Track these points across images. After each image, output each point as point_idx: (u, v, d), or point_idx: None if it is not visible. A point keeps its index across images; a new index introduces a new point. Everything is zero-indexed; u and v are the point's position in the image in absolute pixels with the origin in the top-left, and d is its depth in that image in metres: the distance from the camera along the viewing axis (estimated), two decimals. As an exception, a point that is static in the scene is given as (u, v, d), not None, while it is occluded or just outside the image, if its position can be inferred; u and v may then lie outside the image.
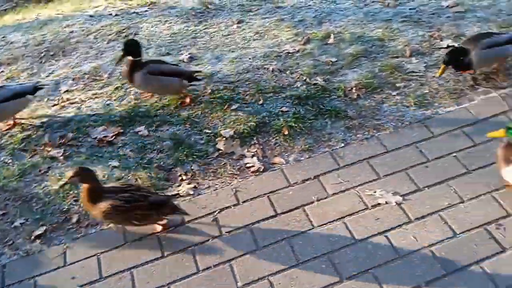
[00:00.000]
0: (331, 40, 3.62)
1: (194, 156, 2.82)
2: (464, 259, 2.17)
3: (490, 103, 2.91)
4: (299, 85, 3.25)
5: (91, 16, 4.42)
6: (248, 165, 2.74)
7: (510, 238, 2.23)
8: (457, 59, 2.94)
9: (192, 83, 3.17)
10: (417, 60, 3.32)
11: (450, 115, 2.88)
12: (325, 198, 2.52)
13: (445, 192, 2.46)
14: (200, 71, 3.33)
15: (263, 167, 2.72)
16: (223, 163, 2.78)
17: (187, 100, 3.18)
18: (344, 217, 2.42)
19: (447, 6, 3.81)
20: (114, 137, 2.99)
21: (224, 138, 2.89)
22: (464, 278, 2.11)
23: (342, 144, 2.80)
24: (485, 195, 2.42)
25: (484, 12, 3.70)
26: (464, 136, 2.73)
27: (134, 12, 4.37)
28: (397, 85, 3.16)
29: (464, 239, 2.25)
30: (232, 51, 3.65)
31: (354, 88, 3.15)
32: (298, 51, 3.56)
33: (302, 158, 2.76)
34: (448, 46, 3.38)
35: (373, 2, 4.03)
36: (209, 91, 3.27)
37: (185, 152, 2.84)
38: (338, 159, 2.71)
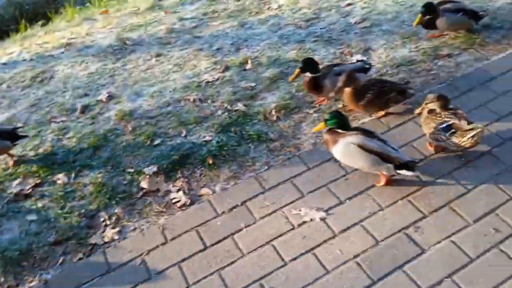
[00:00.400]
0: (249, 66, 3.70)
1: (118, 199, 2.74)
2: (387, 265, 2.25)
3: (398, 110, 3.07)
4: (220, 113, 3.28)
5: (4, 64, 4.25)
6: (174, 200, 2.71)
7: (428, 238, 2.34)
8: (311, 69, 3.03)
9: (17, 142, 2.98)
10: (331, 77, 3.47)
11: (364, 127, 3.00)
12: (253, 223, 2.53)
13: (365, 202, 2.55)
14: (21, 127, 3.19)
15: (190, 201, 2.69)
16: (148, 202, 2.72)
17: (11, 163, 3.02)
18: (272, 240, 2.43)
19: (355, 23, 4.04)
20: (31, 189, 2.85)
21: (148, 176, 2.84)
22: (389, 284, 2.18)
23: (266, 167, 2.84)
24: (402, 200, 2.53)
25: (388, 25, 3.95)
26: (379, 145, 2.86)
27: (49, 55, 4.26)
28: (314, 103, 3.27)
29: (386, 245, 2.33)
30: (152, 86, 3.63)
31: (274, 110, 3.23)
32: (217, 79, 3.60)
33: (228, 186, 2.76)
34: (357, 61, 3.57)
35: (286, 25, 4.19)
36: (130, 129, 3.22)
37: (107, 196, 2.76)
38: (263, 183, 2.74)
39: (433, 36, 3.60)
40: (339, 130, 2.57)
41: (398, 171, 2.49)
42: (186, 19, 4.53)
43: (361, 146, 2.49)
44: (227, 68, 3.71)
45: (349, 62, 3.37)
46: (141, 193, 2.76)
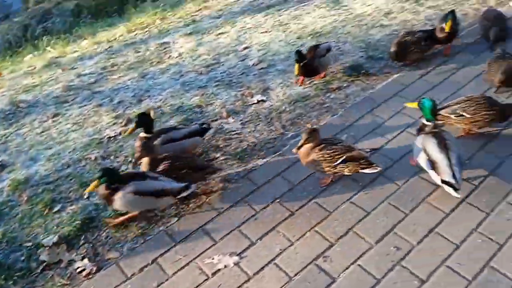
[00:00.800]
0: (152, 116, 3.66)
1: (15, 278, 2.51)
2: (301, 300, 2.27)
3: (300, 145, 3.21)
4: (125, 169, 3.18)
5: None
6: (79, 269, 2.53)
7: (336, 266, 2.41)
8: (146, 123, 2.99)
9: None
10: (234, 119, 3.55)
11: (270, 164, 3.09)
12: (166, 280, 2.44)
13: (276, 239, 2.59)
14: None
15: (96, 267, 2.53)
16: (49, 276, 2.51)
17: None
18: (187, 295, 2.36)
19: (253, 65, 4.21)
20: None
21: (48, 247, 2.64)
22: (305, 320, 2.20)
23: (176, 218, 2.78)
24: (310, 231, 2.61)
25: (283, 64, 4.17)
26: (284, 180, 2.95)
27: None
28: (220, 146, 3.31)
29: (299, 280, 2.36)
30: (49, 148, 3.45)
31: (180, 159, 3.21)
32: (120, 134, 3.52)
33: (137, 245, 2.65)
34: (258, 101, 3.71)
35: (187, 72, 4.26)
36: (26, 198, 3.00)
37: (3, 277, 2.51)
38: (173, 235, 2.68)
39: (320, 77, 3.82)
40: (114, 185, 2.61)
41: (178, 197, 2.70)
42: (85, 75, 4.43)
43: (137, 193, 2.61)
44: (129, 121, 3.64)
45: (182, 127, 3.23)
46: (41, 268, 2.55)
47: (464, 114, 2.94)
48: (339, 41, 4.31)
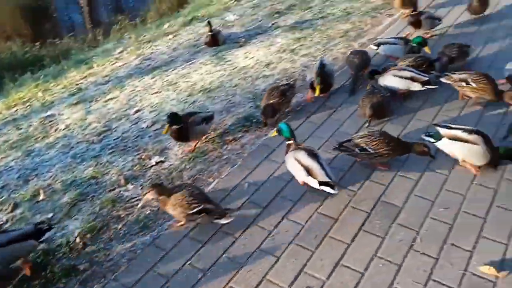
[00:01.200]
0: (42, 196, 3.42)
1: None
2: None
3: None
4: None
5: None
6: None
7: (256, 319, 2.40)
8: None
9: None
10: (133, 185, 3.45)
11: (174, 227, 3.03)
12: None
13: (192, 304, 2.51)
14: None
15: None
16: None
17: None
18: None
19: (147, 127, 4.19)
20: None
21: None
22: None
23: (80, 305, 2.57)
24: (224, 288, 2.58)
25: (177, 122, 4.21)
26: (192, 240, 2.89)
27: None
28: (121, 216, 3.18)
29: None
30: None
31: (78, 238, 3.00)
32: (7, 222, 3.20)
33: None
34: (156, 163, 3.66)
35: (78, 143, 4.07)
36: None
37: None
38: (79, 324, 2.45)
39: (194, 147, 3.73)
40: None
41: None
42: (-42, 162, 3.99)
43: None
44: (16, 206, 3.34)
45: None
46: None
47: (367, 148, 3.17)
48: (229, 94, 4.50)
